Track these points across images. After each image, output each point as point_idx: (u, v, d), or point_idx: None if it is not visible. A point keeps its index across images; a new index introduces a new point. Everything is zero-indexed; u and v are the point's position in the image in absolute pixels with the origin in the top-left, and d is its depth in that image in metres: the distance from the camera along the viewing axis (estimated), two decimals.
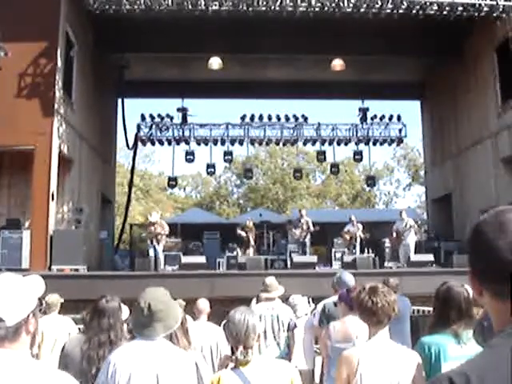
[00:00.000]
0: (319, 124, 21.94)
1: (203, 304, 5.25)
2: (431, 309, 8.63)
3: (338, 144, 22.04)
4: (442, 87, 19.53)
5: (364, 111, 21.18)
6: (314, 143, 22.43)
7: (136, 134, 21.29)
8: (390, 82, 20.27)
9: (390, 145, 23.00)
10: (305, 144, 22.93)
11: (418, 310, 9.27)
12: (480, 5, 13.78)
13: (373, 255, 13.98)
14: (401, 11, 13.81)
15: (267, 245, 18.31)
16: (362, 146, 22.16)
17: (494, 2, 13.68)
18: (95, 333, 3.35)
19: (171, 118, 21.19)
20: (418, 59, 18.47)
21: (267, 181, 45.46)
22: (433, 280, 9.41)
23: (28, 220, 12.81)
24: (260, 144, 23.19)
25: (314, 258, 13.47)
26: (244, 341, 2.60)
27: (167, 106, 31.09)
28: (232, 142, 21.50)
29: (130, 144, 20.73)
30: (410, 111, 43.33)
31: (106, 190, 18.75)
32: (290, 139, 22.18)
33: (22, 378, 1.50)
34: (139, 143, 21.59)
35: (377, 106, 27.10)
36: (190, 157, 21.20)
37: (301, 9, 13.81)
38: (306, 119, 21.52)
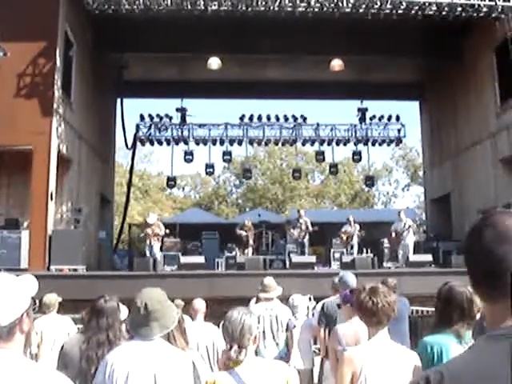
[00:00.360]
0: (318, 124, 21.96)
1: (199, 304, 5.26)
2: (430, 309, 8.63)
3: (337, 144, 22.05)
4: (440, 87, 19.54)
5: (363, 111, 21.18)
6: (312, 143, 22.44)
7: (135, 134, 21.30)
8: (389, 83, 20.27)
9: (388, 145, 23.02)
10: (304, 144, 22.94)
11: (417, 311, 9.28)
12: (479, 5, 13.78)
13: (371, 255, 14.01)
14: (400, 11, 13.82)
15: (266, 245, 18.31)
16: (360, 147, 22.19)
17: (493, 3, 13.69)
18: (94, 332, 3.35)
19: (170, 118, 21.20)
20: (417, 60, 18.47)
21: (266, 181, 45.49)
22: (431, 280, 9.43)
23: (27, 220, 12.79)
24: (259, 144, 23.20)
25: (313, 258, 13.49)
26: (239, 340, 2.60)
27: (166, 106, 31.01)
28: (231, 142, 21.51)
29: (129, 144, 20.74)
30: (408, 111, 43.41)
31: (105, 189, 18.75)
32: (289, 139, 22.19)
33: (17, 378, 1.50)
34: (138, 143, 21.59)
35: (376, 107, 27.10)
36: (188, 157, 21.21)
37: (300, 9, 13.82)
38: (304, 119, 21.54)
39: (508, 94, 14.71)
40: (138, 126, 21.33)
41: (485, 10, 13.86)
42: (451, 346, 2.89)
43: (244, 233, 15.41)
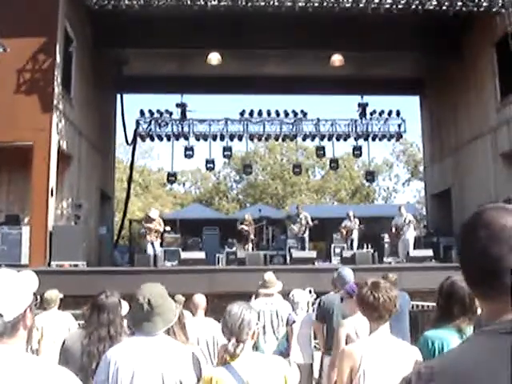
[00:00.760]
0: (318, 119, 21.91)
1: (199, 299, 5.26)
2: (430, 304, 8.64)
3: (338, 139, 22.01)
4: (441, 82, 19.50)
5: (363, 106, 21.14)
6: (313, 139, 22.39)
7: (135, 130, 21.28)
8: (389, 78, 20.22)
9: (389, 140, 22.98)
10: (304, 139, 22.92)
11: (417, 306, 9.31)
12: (479, 0, 13.74)
13: (372, 250, 14.01)
14: (400, 6, 13.78)
15: (266, 240, 18.32)
16: (361, 142, 22.15)
17: None
18: (95, 328, 3.36)
19: (170, 114, 21.17)
20: (417, 55, 18.41)
21: (266, 176, 45.48)
22: (432, 275, 9.46)
23: (27, 216, 12.80)
24: (259, 139, 23.18)
25: (313, 254, 13.51)
26: (237, 334, 2.60)
27: (166, 101, 30.98)
28: (231, 138, 21.48)
29: (129, 140, 20.74)
30: (409, 106, 43.32)
31: (106, 185, 18.74)
32: (289, 135, 22.15)
33: (21, 373, 1.50)
34: (138, 139, 21.56)
35: (376, 102, 27.07)
36: (189, 152, 21.20)
37: (300, 4, 13.79)
38: (305, 115, 21.49)
39: (508, 88, 14.66)
40: (138, 122, 21.30)
41: (485, 4, 13.81)
42: (452, 340, 2.90)
43: (245, 227, 15.46)
